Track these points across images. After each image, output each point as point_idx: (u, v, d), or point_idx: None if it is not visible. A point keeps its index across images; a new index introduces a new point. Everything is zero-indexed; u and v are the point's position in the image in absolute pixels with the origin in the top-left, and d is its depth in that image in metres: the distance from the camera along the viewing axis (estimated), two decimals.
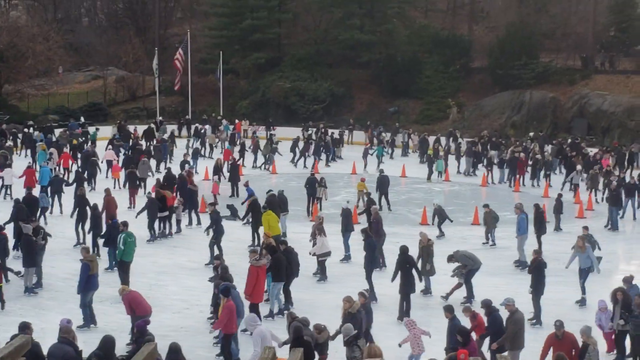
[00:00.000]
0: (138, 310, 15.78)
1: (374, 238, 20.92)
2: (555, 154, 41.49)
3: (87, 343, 13.48)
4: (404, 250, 18.60)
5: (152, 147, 41.15)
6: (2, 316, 17.42)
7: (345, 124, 52.75)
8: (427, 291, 20.11)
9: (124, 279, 19.20)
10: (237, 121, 52.31)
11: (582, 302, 19.69)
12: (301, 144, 43.54)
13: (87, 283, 17.37)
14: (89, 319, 17.27)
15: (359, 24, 60.26)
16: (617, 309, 16.07)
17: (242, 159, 39.90)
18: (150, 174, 33.01)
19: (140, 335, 12.70)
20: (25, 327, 12.36)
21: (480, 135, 46.84)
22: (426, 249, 20.13)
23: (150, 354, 9.20)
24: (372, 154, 41.80)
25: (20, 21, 63.38)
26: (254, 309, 16.89)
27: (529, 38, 57.24)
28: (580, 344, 13.99)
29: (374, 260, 20.19)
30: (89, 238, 23.53)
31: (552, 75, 56.24)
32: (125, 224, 20.94)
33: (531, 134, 48.27)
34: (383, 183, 31.37)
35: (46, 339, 12.98)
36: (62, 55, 59.38)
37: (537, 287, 18.18)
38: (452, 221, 27.44)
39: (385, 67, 59.76)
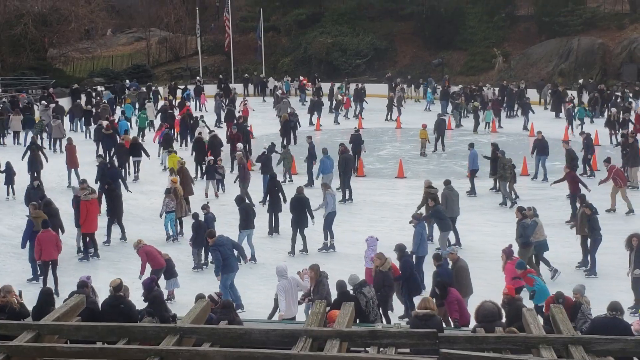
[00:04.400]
0: (153, 264, 16.12)
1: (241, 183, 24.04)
2: None
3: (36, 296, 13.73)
4: (272, 176, 22.39)
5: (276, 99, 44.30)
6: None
7: (387, 79, 52.15)
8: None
9: None
10: (301, 77, 51.96)
11: (327, 247, 19.83)
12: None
13: (33, 238, 17.80)
14: (38, 273, 17.75)
15: None
16: (633, 256, 15.76)
17: (311, 115, 40.74)
18: (290, 109, 37.15)
19: (148, 292, 12.79)
20: (83, 285, 12.55)
21: (599, 88, 43.96)
22: (426, 194, 20.62)
23: (203, 310, 9.25)
24: (575, 116, 37.61)
25: None
26: (90, 238, 19.24)
27: None
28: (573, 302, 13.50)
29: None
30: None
31: (600, 20, 54.84)
32: None
33: (581, 80, 47.34)
34: (440, 126, 33.23)
35: (100, 298, 13.18)
36: (104, 17, 59.73)
37: (298, 221, 19.60)
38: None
39: (429, 19, 58.85)
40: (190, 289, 16.03)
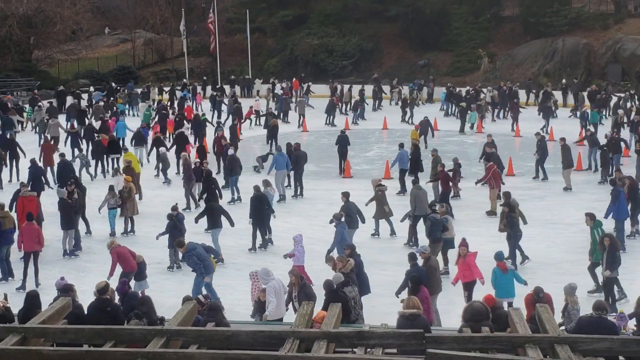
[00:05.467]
0: (125, 266, 16.12)
1: (186, 183, 24.31)
2: None
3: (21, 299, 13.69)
4: (208, 173, 22.96)
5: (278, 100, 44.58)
6: (42, 279, 17.66)
7: (372, 79, 52.24)
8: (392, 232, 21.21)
9: None
10: (294, 79, 51.93)
11: (269, 242, 20.40)
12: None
13: (1, 238, 18.03)
14: (7, 273, 18.05)
15: None
16: (605, 256, 15.82)
17: (329, 115, 41.02)
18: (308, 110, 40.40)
19: (123, 297, 12.76)
20: (68, 289, 12.51)
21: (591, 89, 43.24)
22: (376, 193, 21.16)
23: (190, 313, 9.23)
24: (589, 120, 36.13)
25: None
26: None
27: None
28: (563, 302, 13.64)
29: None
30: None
31: (584, 21, 55.15)
32: None
33: (564, 80, 47.52)
34: (424, 126, 33.95)
35: (86, 301, 13.14)
36: (89, 19, 59.46)
37: (258, 218, 19.93)
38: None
39: (414, 20, 58.96)
40: (178, 291, 16.01)
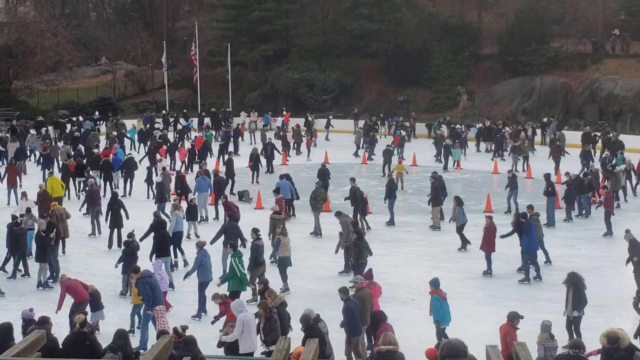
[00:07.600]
0: (75, 297, 16.16)
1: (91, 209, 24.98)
2: None
3: None
4: (114, 194, 24.53)
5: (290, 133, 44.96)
6: (17, 312, 17.41)
7: (352, 114, 52.58)
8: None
9: None
10: (284, 112, 51.93)
11: (176, 265, 21.14)
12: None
13: None
14: None
15: (367, 13, 59.91)
16: (570, 295, 15.77)
17: (367, 150, 42.08)
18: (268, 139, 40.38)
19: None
20: (44, 322, 12.40)
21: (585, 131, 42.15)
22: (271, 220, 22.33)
23: (165, 347, 9.15)
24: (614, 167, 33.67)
25: (28, 17, 63.46)
26: None
27: (539, 24, 56.90)
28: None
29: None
30: None
31: (562, 60, 55.83)
32: None
33: (545, 119, 47.91)
34: (387, 154, 36.23)
35: (62, 334, 12.99)
36: (70, 50, 59.45)
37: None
38: None
39: (394, 56, 59.54)
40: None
